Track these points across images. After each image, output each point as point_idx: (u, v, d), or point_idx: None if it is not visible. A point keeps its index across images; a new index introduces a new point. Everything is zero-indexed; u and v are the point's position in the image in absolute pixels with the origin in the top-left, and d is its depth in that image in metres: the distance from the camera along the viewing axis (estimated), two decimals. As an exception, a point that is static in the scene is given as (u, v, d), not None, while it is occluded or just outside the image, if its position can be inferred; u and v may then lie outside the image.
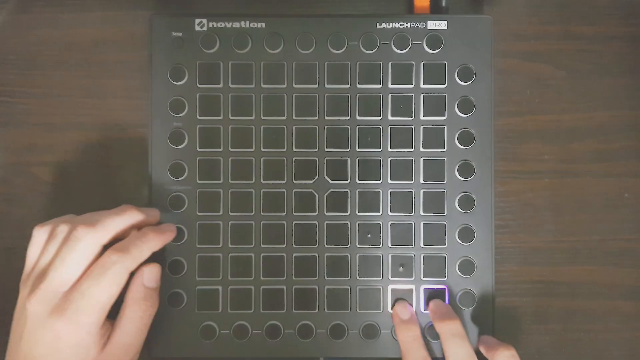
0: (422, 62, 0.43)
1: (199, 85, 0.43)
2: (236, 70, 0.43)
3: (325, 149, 0.43)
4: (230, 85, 0.43)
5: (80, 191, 0.44)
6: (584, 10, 0.45)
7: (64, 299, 0.36)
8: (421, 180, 0.43)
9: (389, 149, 0.43)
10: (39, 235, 0.38)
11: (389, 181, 0.43)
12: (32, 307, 0.36)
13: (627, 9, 0.45)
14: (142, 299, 0.39)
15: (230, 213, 0.42)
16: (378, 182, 0.43)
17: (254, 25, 0.43)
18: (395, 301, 0.42)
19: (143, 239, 0.39)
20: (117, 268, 0.37)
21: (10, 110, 0.45)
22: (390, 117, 0.43)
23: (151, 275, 0.40)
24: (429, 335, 0.42)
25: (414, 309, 0.42)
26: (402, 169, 0.43)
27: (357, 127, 0.43)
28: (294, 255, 0.42)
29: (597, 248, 0.44)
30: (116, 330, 0.38)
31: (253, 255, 0.42)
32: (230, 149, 0.43)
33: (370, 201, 0.42)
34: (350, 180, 0.43)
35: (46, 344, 0.36)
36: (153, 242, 0.39)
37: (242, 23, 0.43)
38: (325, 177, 0.43)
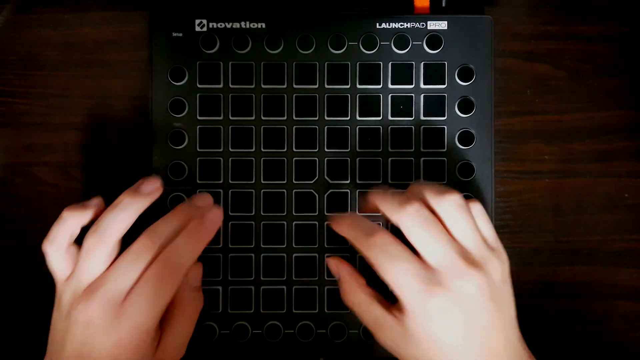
0: (422, 62, 0.43)
1: (199, 86, 0.43)
2: (236, 71, 0.43)
3: (325, 149, 0.43)
4: (230, 86, 0.43)
5: (81, 191, 0.44)
6: (584, 10, 0.45)
7: (123, 306, 0.36)
8: (422, 181, 0.43)
9: (389, 149, 0.43)
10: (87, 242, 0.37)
11: (389, 182, 0.43)
12: (90, 313, 0.35)
13: (628, 9, 0.45)
14: (190, 299, 0.39)
15: (230, 213, 0.42)
16: (378, 182, 0.43)
17: (254, 25, 0.43)
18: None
19: (188, 242, 0.38)
20: (174, 275, 0.37)
21: (10, 110, 0.45)
22: (390, 117, 0.43)
23: (196, 275, 0.40)
24: None
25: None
26: (402, 169, 0.43)
27: (357, 127, 0.43)
28: (294, 255, 0.42)
29: (597, 248, 0.44)
30: (167, 332, 0.38)
31: (253, 255, 0.42)
32: (230, 149, 0.43)
33: (370, 201, 0.42)
34: (350, 180, 0.43)
35: (105, 350, 0.35)
36: (197, 243, 0.39)
37: (242, 23, 0.43)
38: (325, 177, 0.43)
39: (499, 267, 0.36)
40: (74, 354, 0.36)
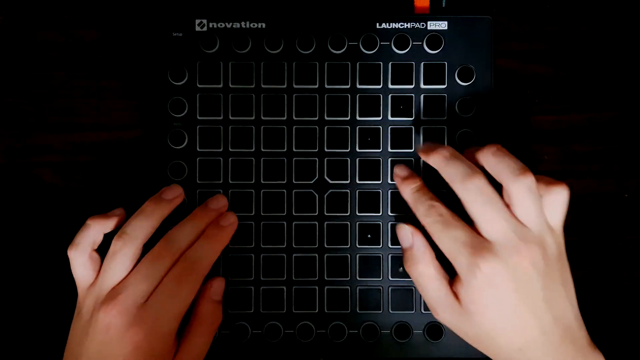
0: (422, 63, 0.43)
1: (199, 85, 0.43)
2: (236, 71, 0.43)
3: (325, 149, 0.43)
4: (230, 85, 0.43)
5: (80, 191, 0.44)
6: (584, 10, 0.45)
7: (143, 310, 0.37)
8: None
9: (389, 149, 0.43)
10: (114, 248, 0.39)
11: (389, 181, 0.43)
12: (110, 318, 0.36)
13: (628, 9, 0.45)
14: (211, 312, 0.40)
15: (230, 213, 0.42)
16: (378, 182, 0.43)
17: (254, 25, 0.43)
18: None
19: (206, 247, 0.40)
20: (193, 279, 0.38)
21: (10, 110, 0.45)
22: (390, 118, 0.43)
23: (218, 289, 0.41)
24: (430, 335, 0.42)
25: (414, 310, 0.42)
26: (402, 169, 0.43)
27: (357, 127, 0.43)
28: (294, 255, 0.42)
29: (597, 248, 0.44)
30: (185, 344, 0.39)
31: (253, 255, 0.42)
32: (230, 149, 0.43)
33: (370, 201, 0.42)
34: (350, 180, 0.43)
35: (123, 356, 0.36)
36: (215, 248, 0.40)
37: (242, 23, 0.43)
38: (325, 177, 0.43)
39: (554, 245, 0.37)
40: (92, 358, 0.36)
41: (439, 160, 0.39)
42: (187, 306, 0.38)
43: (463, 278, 0.36)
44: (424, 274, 0.39)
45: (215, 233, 0.40)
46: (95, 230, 0.39)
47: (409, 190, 0.40)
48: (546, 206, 0.37)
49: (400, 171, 0.42)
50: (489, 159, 0.38)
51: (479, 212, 0.37)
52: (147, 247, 0.39)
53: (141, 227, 0.39)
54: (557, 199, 0.37)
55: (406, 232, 0.40)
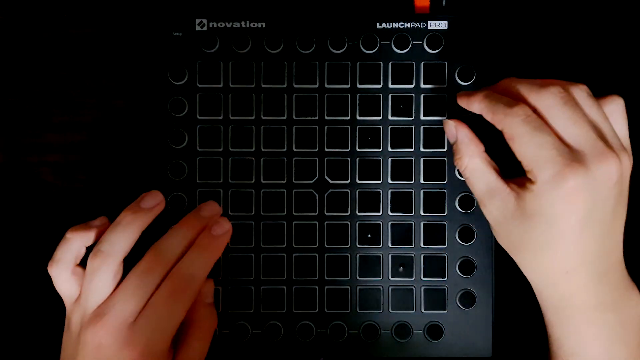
0: (422, 62, 0.43)
1: (199, 85, 0.43)
2: (236, 70, 0.43)
3: (325, 149, 0.43)
4: (230, 85, 0.43)
5: (81, 191, 0.44)
6: (584, 10, 0.45)
7: (133, 331, 0.35)
8: (421, 180, 0.43)
9: (389, 149, 0.43)
10: (91, 265, 0.36)
11: (389, 181, 0.43)
12: (99, 339, 0.34)
13: (627, 9, 0.45)
14: (204, 316, 0.39)
15: (230, 213, 0.42)
16: (378, 182, 0.43)
17: (254, 24, 0.43)
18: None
19: (198, 260, 0.37)
20: (186, 297, 0.36)
21: (10, 110, 0.45)
22: (390, 117, 0.43)
23: (209, 292, 0.40)
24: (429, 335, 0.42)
25: (414, 309, 0.42)
26: (402, 169, 0.43)
27: (357, 127, 0.43)
28: (294, 255, 0.43)
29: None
30: (181, 352, 0.37)
31: (253, 255, 0.42)
32: (230, 149, 0.43)
33: (370, 201, 0.42)
34: (350, 180, 0.43)
35: None
36: (208, 260, 0.38)
37: (242, 22, 0.43)
38: (325, 177, 0.43)
39: (629, 163, 0.35)
40: None
41: (480, 98, 0.37)
42: (181, 321, 0.36)
43: (540, 186, 0.34)
44: (470, 167, 0.37)
45: (208, 243, 0.38)
46: (75, 243, 0.37)
47: (481, 96, 0.37)
48: (609, 117, 0.36)
49: (464, 93, 0.39)
50: (534, 88, 0.36)
51: (565, 120, 0.34)
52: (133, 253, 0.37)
53: (118, 242, 0.36)
54: (617, 108, 0.36)
55: (450, 126, 0.38)
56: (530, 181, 0.35)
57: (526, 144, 0.34)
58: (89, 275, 0.36)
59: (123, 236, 0.36)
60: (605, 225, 0.35)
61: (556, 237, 0.34)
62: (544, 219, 0.34)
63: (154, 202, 0.38)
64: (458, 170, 0.42)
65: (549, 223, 0.34)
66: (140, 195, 0.38)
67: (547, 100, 0.35)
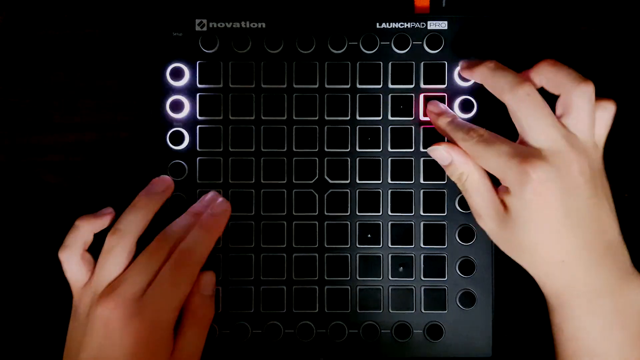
0: (422, 62, 0.43)
1: (199, 85, 0.43)
2: (236, 70, 0.43)
3: (325, 149, 0.43)
4: (230, 85, 0.43)
5: (81, 191, 0.44)
6: (584, 10, 0.45)
7: (141, 302, 0.37)
8: (421, 180, 0.43)
9: (389, 149, 0.43)
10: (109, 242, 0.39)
11: (389, 181, 0.43)
12: (109, 312, 0.36)
13: (627, 9, 0.45)
14: (200, 305, 0.40)
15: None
16: (378, 182, 0.43)
17: (254, 25, 0.43)
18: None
19: (198, 236, 0.39)
20: (188, 268, 0.38)
21: (11, 110, 0.45)
22: (390, 117, 0.43)
23: (208, 283, 0.41)
24: (429, 335, 0.42)
25: (414, 309, 0.42)
26: (402, 169, 0.43)
27: (357, 127, 0.43)
28: (294, 255, 0.43)
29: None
30: (180, 339, 0.39)
31: (253, 255, 0.42)
32: (230, 149, 0.43)
33: (370, 201, 0.43)
34: (350, 180, 0.43)
35: (123, 348, 0.36)
36: (208, 236, 0.40)
37: (242, 23, 0.43)
38: (325, 177, 0.43)
39: (599, 158, 0.37)
40: (93, 354, 0.36)
41: (485, 72, 0.38)
42: (185, 297, 0.38)
43: (513, 188, 0.36)
44: (469, 181, 0.38)
45: (207, 221, 0.40)
46: (84, 230, 0.39)
47: (445, 122, 0.40)
48: (596, 120, 0.37)
49: (433, 107, 0.41)
50: (548, 69, 0.37)
51: (529, 117, 0.36)
52: (142, 245, 0.39)
53: (134, 221, 0.39)
54: (605, 115, 0.38)
55: (441, 152, 0.39)
56: (508, 188, 0.36)
57: (486, 158, 0.37)
58: (104, 253, 0.38)
59: (139, 217, 0.39)
60: (586, 213, 0.36)
61: (542, 231, 0.36)
62: (527, 218, 0.36)
63: (164, 186, 0.41)
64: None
65: (532, 220, 0.36)
66: (151, 180, 0.41)
67: (519, 102, 0.37)
